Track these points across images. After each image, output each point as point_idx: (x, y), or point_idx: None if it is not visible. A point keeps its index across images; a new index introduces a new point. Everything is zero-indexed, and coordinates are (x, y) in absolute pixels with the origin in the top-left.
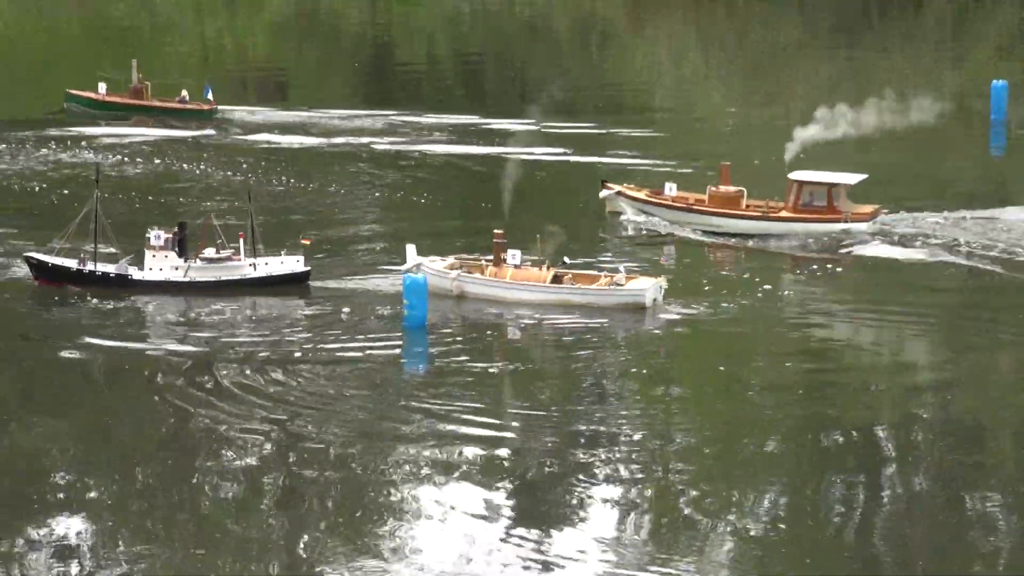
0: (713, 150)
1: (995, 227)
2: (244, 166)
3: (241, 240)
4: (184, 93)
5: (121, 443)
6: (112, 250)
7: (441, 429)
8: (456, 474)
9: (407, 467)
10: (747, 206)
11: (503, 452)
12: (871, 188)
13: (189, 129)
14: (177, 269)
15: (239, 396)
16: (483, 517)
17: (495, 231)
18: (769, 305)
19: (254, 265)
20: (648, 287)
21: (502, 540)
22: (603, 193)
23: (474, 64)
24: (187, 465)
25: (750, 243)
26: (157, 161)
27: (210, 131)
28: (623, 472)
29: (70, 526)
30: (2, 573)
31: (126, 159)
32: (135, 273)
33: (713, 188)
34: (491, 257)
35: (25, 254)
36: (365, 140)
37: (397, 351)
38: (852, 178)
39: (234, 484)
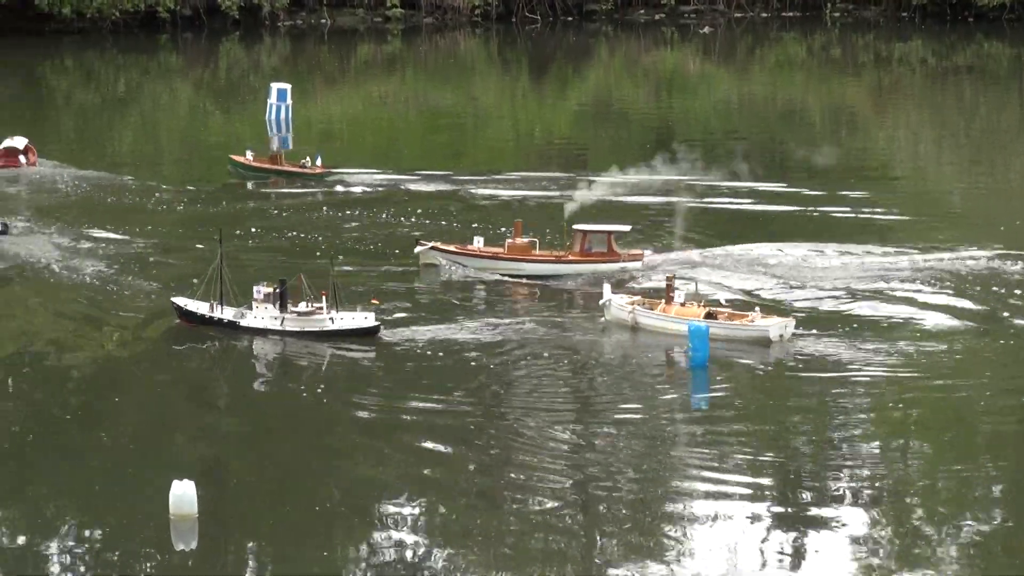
0: (940, 210)
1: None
2: (344, 223)
3: (324, 297)
4: (306, 159)
5: (431, 470)
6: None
7: (714, 452)
8: (724, 490)
9: (685, 484)
10: (538, 254)
11: (765, 480)
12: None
13: (307, 188)
14: (275, 319)
15: (539, 427)
16: (748, 528)
17: (667, 275)
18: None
19: (332, 319)
20: (773, 324)
21: (765, 550)
22: (418, 249)
23: (740, 141)
24: (490, 485)
25: (550, 283)
26: (279, 217)
27: (320, 190)
28: (865, 492)
29: (401, 537)
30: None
31: (256, 214)
32: (242, 320)
33: (510, 241)
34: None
35: (171, 298)
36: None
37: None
38: (625, 227)
39: (535, 500)
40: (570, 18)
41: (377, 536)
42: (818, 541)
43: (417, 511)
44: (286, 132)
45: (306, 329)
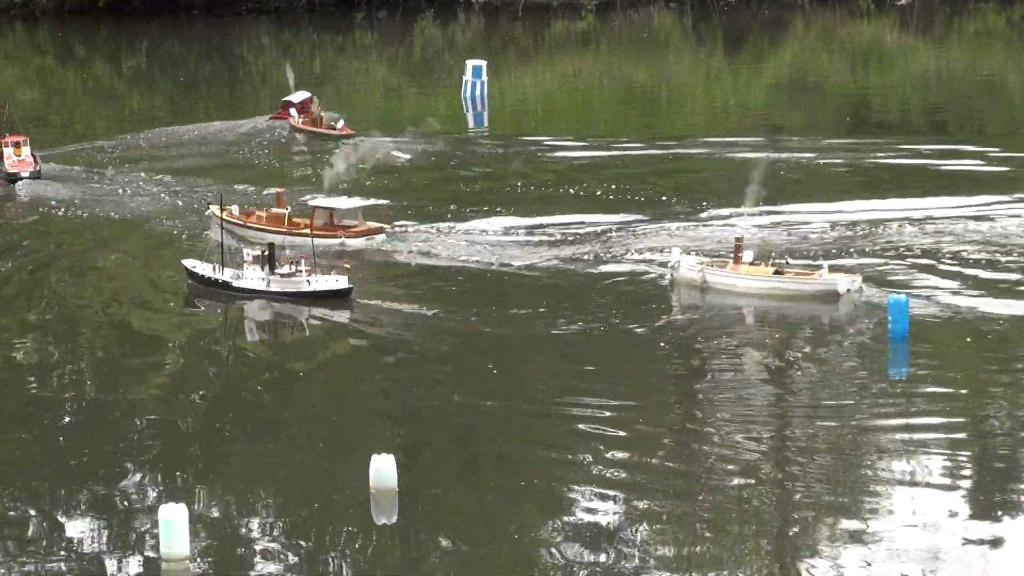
0: None
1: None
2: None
3: (303, 261)
4: (332, 121)
5: (622, 457)
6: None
7: (913, 433)
8: (922, 471)
9: (881, 462)
10: (292, 224)
11: (962, 456)
12: None
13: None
14: (262, 280)
15: (738, 394)
16: (947, 514)
17: (736, 236)
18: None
19: (309, 281)
20: (841, 279)
21: (963, 536)
22: (207, 212)
23: (938, 114)
24: (684, 470)
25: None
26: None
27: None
28: None
29: (593, 525)
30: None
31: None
32: (234, 281)
33: (269, 210)
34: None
35: (182, 261)
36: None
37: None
38: (347, 203)
39: (729, 488)
40: None
41: (569, 521)
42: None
43: (610, 499)
44: (481, 108)
45: (287, 290)
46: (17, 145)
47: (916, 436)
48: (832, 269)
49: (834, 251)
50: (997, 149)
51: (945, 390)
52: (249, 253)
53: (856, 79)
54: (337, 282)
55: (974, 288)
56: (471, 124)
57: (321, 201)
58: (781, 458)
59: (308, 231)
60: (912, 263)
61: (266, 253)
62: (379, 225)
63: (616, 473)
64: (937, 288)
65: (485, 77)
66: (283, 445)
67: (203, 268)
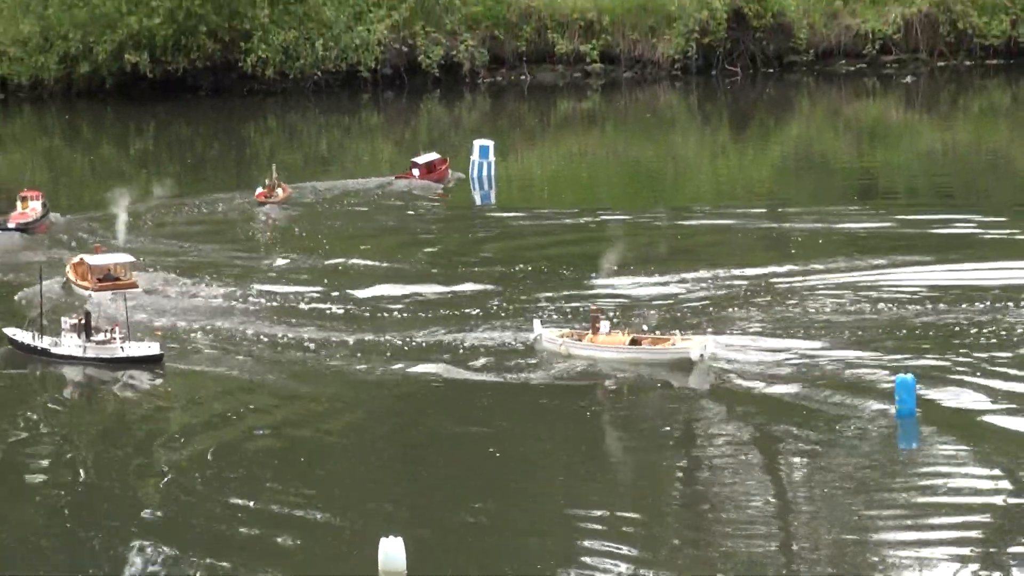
0: None
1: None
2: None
3: (116, 329)
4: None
5: (632, 521)
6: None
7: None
8: (931, 530)
9: (889, 545)
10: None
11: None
12: None
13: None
14: (79, 347)
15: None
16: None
17: (591, 307)
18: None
19: (122, 348)
20: (694, 346)
21: None
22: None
23: (944, 190)
24: (692, 538)
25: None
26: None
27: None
28: None
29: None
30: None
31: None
32: (52, 348)
33: (82, 261)
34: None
35: (3, 329)
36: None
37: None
38: (108, 259)
39: (732, 552)
40: (770, 70)
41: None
42: None
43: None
44: (488, 188)
45: (102, 356)
46: (24, 200)
47: (925, 518)
48: (684, 337)
49: (828, 323)
50: (1003, 218)
51: (954, 470)
52: (66, 321)
53: (862, 156)
54: (149, 348)
55: (983, 363)
56: (478, 203)
57: (87, 256)
58: (784, 546)
59: (86, 284)
60: (916, 336)
61: (82, 321)
62: (131, 281)
63: (625, 561)
64: (942, 364)
65: (492, 157)
66: (284, 525)
67: (23, 336)
